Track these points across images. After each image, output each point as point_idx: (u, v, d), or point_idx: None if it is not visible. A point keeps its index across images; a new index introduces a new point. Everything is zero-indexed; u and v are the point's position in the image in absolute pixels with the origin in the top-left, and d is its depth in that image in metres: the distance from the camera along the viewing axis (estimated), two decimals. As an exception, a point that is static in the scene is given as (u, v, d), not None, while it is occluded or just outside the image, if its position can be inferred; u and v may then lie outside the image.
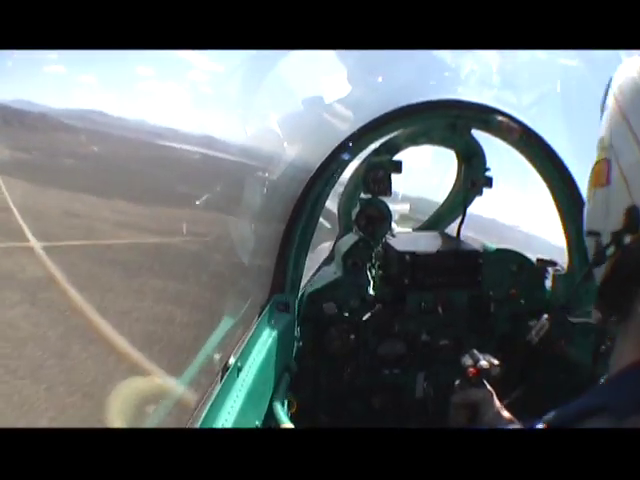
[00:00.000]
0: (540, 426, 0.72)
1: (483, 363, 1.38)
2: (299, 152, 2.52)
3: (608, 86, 0.82)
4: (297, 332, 2.07)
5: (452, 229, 2.82)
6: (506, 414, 1.29)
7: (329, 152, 2.05)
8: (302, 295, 2.13)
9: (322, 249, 2.88)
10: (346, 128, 2.09)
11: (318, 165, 2.03)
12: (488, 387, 1.37)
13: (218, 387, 1.28)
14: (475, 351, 1.45)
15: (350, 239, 2.27)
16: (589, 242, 0.84)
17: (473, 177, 2.59)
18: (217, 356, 1.64)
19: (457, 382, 1.43)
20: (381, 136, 2.23)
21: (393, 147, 2.51)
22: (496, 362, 1.40)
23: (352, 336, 2.18)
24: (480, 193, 2.63)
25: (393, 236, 2.40)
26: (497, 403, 1.33)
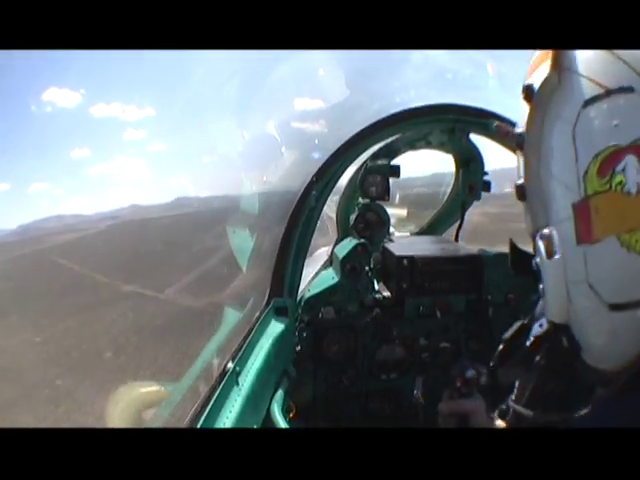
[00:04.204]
0: None
1: (470, 373, 1.36)
2: (297, 157, 2.52)
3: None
4: (295, 337, 2.06)
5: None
6: (498, 423, 1.28)
7: (327, 157, 2.05)
8: (300, 300, 2.13)
9: (320, 254, 2.88)
10: (344, 133, 2.09)
11: (316, 170, 2.03)
12: (477, 396, 1.35)
13: (216, 392, 1.27)
14: (465, 360, 1.44)
15: (348, 244, 2.27)
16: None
17: (471, 181, 2.60)
18: (215, 361, 1.63)
19: (446, 392, 1.42)
20: (379, 140, 2.23)
21: (391, 152, 2.52)
22: (485, 371, 1.38)
23: (350, 341, 2.18)
24: (478, 197, 2.63)
25: (391, 240, 2.40)
26: (487, 412, 1.31)
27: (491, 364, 1.11)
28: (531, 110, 0.74)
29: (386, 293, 2.21)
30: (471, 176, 2.59)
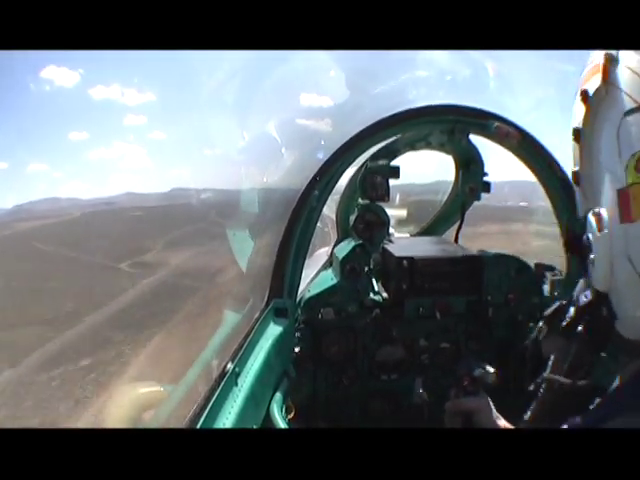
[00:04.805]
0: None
1: (477, 372, 1.37)
2: (297, 157, 2.52)
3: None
4: (295, 337, 2.06)
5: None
6: (502, 421, 1.28)
7: (327, 157, 2.05)
8: (300, 300, 2.13)
9: (320, 254, 2.88)
10: (344, 133, 2.09)
11: (316, 170, 2.03)
12: (483, 395, 1.36)
13: (216, 393, 1.27)
14: (471, 359, 1.45)
15: (348, 244, 2.27)
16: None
17: (471, 183, 2.60)
18: (215, 362, 1.63)
19: (452, 390, 1.42)
20: (379, 141, 2.23)
21: (391, 152, 2.52)
22: (491, 370, 1.39)
23: (350, 341, 2.17)
24: (478, 198, 2.63)
25: (391, 241, 2.40)
26: (492, 411, 1.32)
27: (534, 336, 1.25)
28: (586, 111, 0.89)
29: (386, 294, 2.20)
30: (471, 177, 2.59)
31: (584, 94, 0.88)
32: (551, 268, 2.33)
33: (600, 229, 0.84)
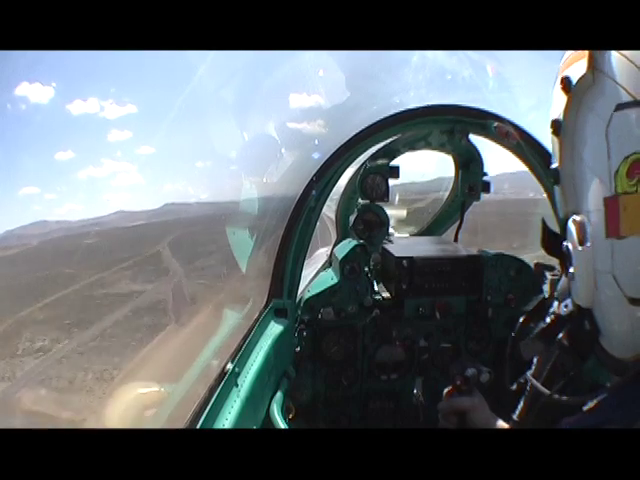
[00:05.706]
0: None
1: (469, 371, 1.37)
2: (297, 157, 2.52)
3: None
4: (295, 337, 2.06)
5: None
6: (497, 421, 1.28)
7: (326, 158, 2.05)
8: (300, 300, 2.13)
9: (320, 254, 2.87)
10: (344, 134, 2.08)
11: (315, 171, 2.03)
12: (477, 394, 1.36)
13: (215, 393, 1.27)
14: (464, 359, 1.45)
15: (348, 245, 2.27)
16: None
17: (471, 182, 2.60)
18: (215, 362, 1.63)
19: (446, 390, 1.43)
20: (379, 141, 2.23)
21: (391, 152, 2.52)
22: (485, 369, 1.40)
23: (350, 341, 2.17)
24: (478, 198, 2.63)
25: (391, 241, 2.40)
26: (486, 410, 1.32)
27: (512, 335, 1.16)
28: (568, 101, 0.79)
29: (385, 294, 2.20)
30: (471, 177, 2.59)
31: (565, 81, 0.78)
32: (551, 268, 2.32)
33: (582, 241, 0.76)
